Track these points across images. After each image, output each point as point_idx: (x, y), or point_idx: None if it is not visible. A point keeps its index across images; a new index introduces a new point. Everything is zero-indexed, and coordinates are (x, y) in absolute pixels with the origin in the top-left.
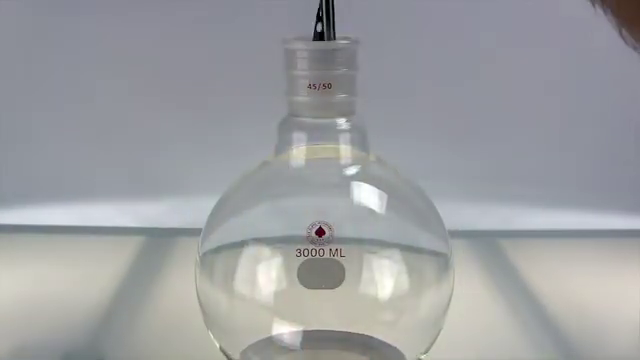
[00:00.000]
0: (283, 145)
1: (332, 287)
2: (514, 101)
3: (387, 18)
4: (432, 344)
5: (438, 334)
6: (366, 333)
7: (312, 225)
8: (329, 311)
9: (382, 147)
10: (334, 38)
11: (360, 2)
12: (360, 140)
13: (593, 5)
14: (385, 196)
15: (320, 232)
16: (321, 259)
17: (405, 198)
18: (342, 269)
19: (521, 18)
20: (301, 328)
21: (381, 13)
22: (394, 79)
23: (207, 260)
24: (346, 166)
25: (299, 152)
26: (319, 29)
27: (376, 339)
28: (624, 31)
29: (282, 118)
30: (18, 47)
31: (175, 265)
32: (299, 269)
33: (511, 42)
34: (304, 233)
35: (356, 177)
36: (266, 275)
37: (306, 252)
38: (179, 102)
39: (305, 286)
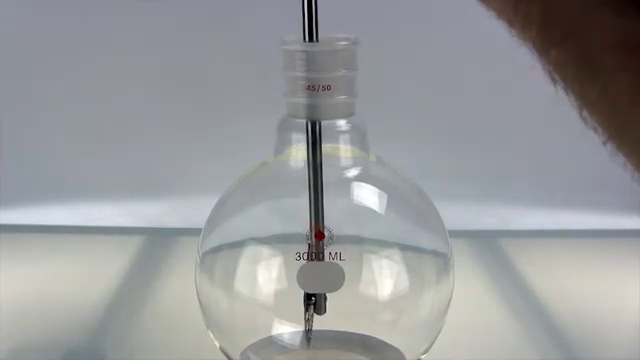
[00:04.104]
0: (282, 146)
1: (331, 291)
2: (514, 100)
3: (387, 18)
4: (432, 344)
5: (438, 334)
6: (366, 333)
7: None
8: (329, 311)
9: (382, 147)
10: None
11: (360, 2)
12: (360, 140)
13: (555, 86)
14: (385, 196)
15: (319, 235)
16: (320, 263)
17: (405, 198)
18: (342, 273)
19: None
20: (301, 328)
21: (380, 13)
22: (394, 79)
23: (207, 260)
24: (346, 167)
25: (298, 153)
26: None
27: (376, 339)
28: (585, 112)
29: (281, 119)
30: (18, 47)
31: (175, 265)
32: (299, 273)
33: (513, 41)
34: (303, 233)
35: (356, 177)
36: (266, 275)
37: (305, 256)
38: (179, 102)
39: (305, 290)
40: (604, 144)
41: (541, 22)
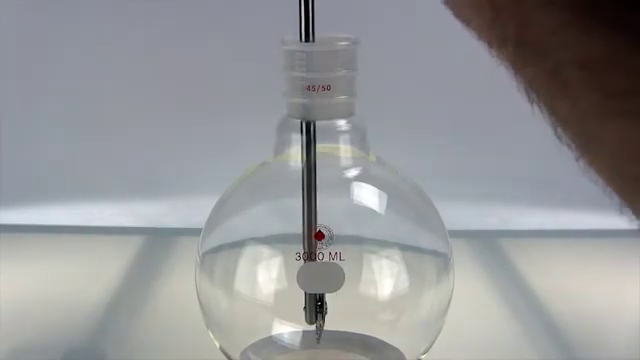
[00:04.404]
0: (282, 146)
1: (331, 291)
2: (515, 100)
3: (388, 17)
4: (432, 344)
5: (438, 334)
6: (366, 333)
7: None
8: (329, 311)
9: (383, 147)
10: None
11: (362, 1)
12: (360, 140)
13: (531, 105)
14: (385, 196)
15: (319, 235)
16: (320, 263)
17: (405, 198)
18: (342, 273)
19: None
20: (301, 328)
21: (382, 12)
22: (395, 79)
23: (207, 260)
24: (346, 167)
25: (298, 153)
26: None
27: (376, 339)
28: (559, 130)
29: (281, 119)
30: (18, 47)
31: (175, 265)
32: (298, 273)
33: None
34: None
35: (356, 178)
36: (266, 275)
37: (305, 256)
38: (179, 102)
39: (305, 290)
40: (577, 160)
41: (516, 41)
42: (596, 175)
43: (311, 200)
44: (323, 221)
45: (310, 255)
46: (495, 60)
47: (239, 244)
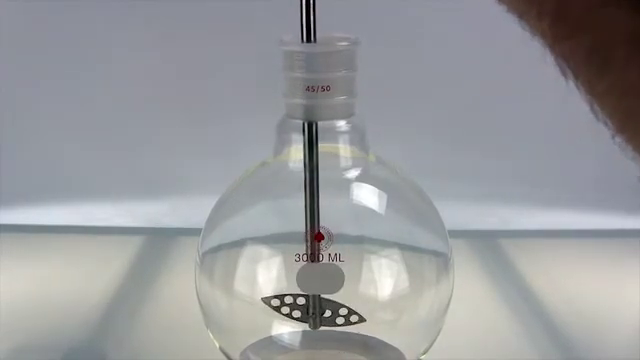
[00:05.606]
0: (281, 146)
1: (331, 292)
2: (515, 100)
3: (390, 17)
4: (432, 344)
5: (438, 334)
6: (366, 333)
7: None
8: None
9: (383, 147)
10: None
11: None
12: (360, 140)
13: (566, 79)
14: (385, 196)
15: (319, 237)
16: (320, 264)
17: (405, 198)
18: (341, 275)
19: None
20: (301, 328)
21: (384, 12)
22: (395, 79)
23: (207, 260)
24: (346, 167)
25: (298, 153)
26: None
27: (376, 339)
28: (595, 106)
29: (280, 119)
30: (18, 47)
31: (175, 265)
32: (298, 274)
33: (515, 41)
34: (303, 234)
35: (356, 178)
36: (266, 275)
37: (305, 257)
38: (179, 102)
39: (304, 291)
40: (613, 137)
41: (554, 15)
42: (633, 152)
43: (314, 201)
44: (323, 222)
45: (317, 256)
46: (527, 32)
47: (239, 244)
